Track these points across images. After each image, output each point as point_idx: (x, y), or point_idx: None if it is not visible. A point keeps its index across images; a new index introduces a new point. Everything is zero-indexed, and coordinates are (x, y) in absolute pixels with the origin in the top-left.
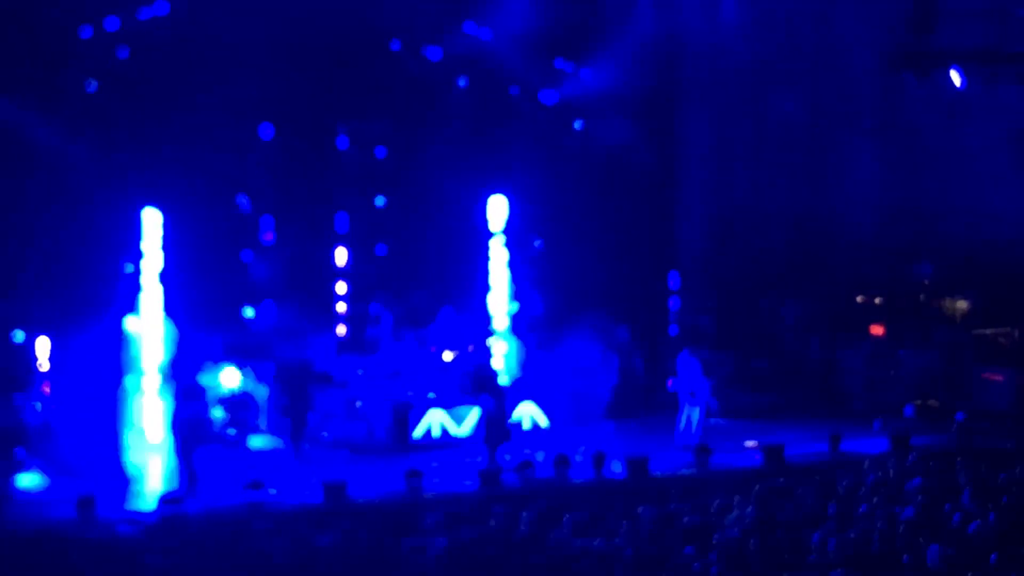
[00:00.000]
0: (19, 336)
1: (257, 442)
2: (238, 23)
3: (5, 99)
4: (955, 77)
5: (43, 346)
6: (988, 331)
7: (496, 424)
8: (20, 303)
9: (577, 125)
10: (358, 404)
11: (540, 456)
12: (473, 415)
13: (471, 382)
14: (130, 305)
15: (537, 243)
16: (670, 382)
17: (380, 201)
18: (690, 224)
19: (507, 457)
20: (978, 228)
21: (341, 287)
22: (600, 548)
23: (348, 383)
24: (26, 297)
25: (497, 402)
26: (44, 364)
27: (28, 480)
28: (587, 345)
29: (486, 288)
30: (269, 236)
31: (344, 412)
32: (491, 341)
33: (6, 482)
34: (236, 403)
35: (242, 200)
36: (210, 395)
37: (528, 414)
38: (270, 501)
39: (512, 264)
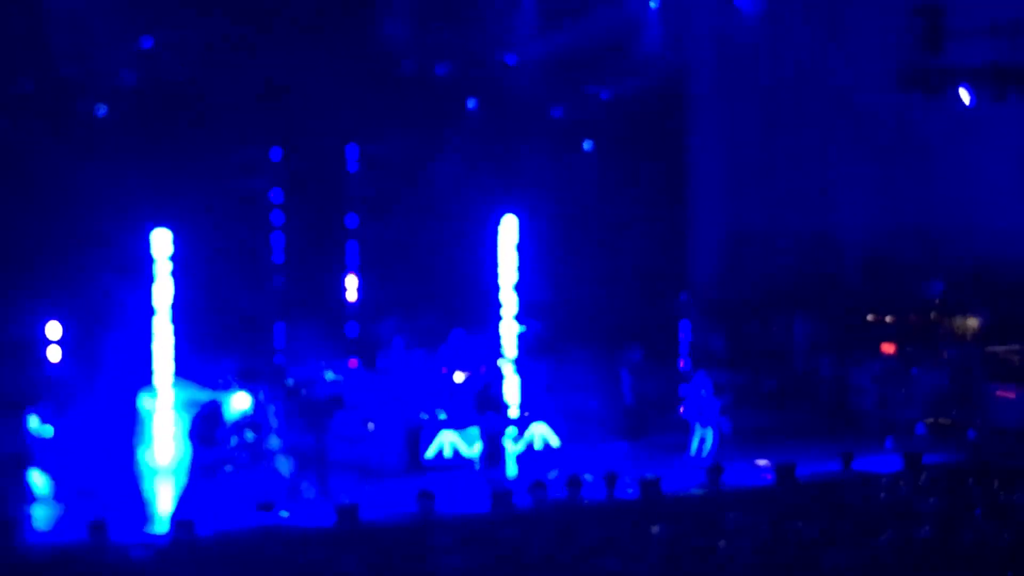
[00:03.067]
0: (32, 356)
1: (269, 465)
2: (247, 44)
3: (16, 122)
4: (964, 95)
5: (55, 360)
6: (999, 349)
7: (497, 444)
8: (32, 325)
9: (587, 145)
10: (370, 426)
11: (553, 474)
12: (480, 434)
13: (475, 401)
14: (141, 327)
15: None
16: (681, 402)
17: (391, 222)
18: (701, 244)
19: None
20: (989, 246)
21: (352, 309)
22: (612, 568)
23: (359, 405)
24: (38, 318)
25: (499, 422)
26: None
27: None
28: (598, 365)
29: (497, 309)
30: (279, 258)
31: (356, 434)
32: (502, 362)
33: (18, 507)
34: (247, 426)
35: (253, 221)
36: (222, 418)
37: (539, 434)
38: (282, 524)
39: (523, 285)
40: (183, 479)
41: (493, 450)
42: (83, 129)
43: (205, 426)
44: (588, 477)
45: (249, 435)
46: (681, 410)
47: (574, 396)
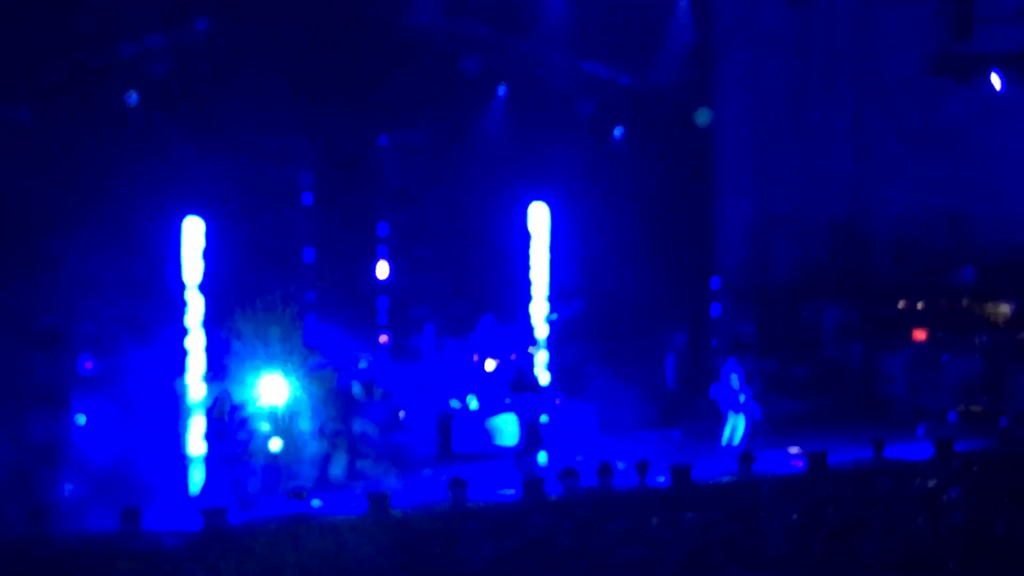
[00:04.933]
0: (63, 348)
1: (301, 454)
2: (277, 34)
3: (47, 111)
4: (995, 81)
5: (90, 359)
6: None
7: (533, 431)
8: (63, 315)
9: (617, 132)
10: (401, 414)
11: (579, 458)
12: (514, 423)
13: (510, 388)
14: (173, 316)
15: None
16: (712, 390)
17: (421, 210)
18: (731, 231)
19: (546, 462)
20: (1020, 232)
21: (383, 297)
22: (643, 556)
23: (391, 393)
24: (69, 309)
25: (535, 409)
26: (89, 376)
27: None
28: (628, 353)
29: (528, 296)
30: (310, 247)
31: (387, 422)
32: (533, 349)
33: (50, 496)
34: (280, 415)
35: (284, 210)
36: (253, 408)
37: (573, 421)
38: (314, 512)
39: (553, 272)
40: (210, 469)
41: (529, 437)
42: (114, 117)
43: (215, 419)
44: (620, 465)
45: (265, 426)
46: (712, 391)
47: (604, 383)
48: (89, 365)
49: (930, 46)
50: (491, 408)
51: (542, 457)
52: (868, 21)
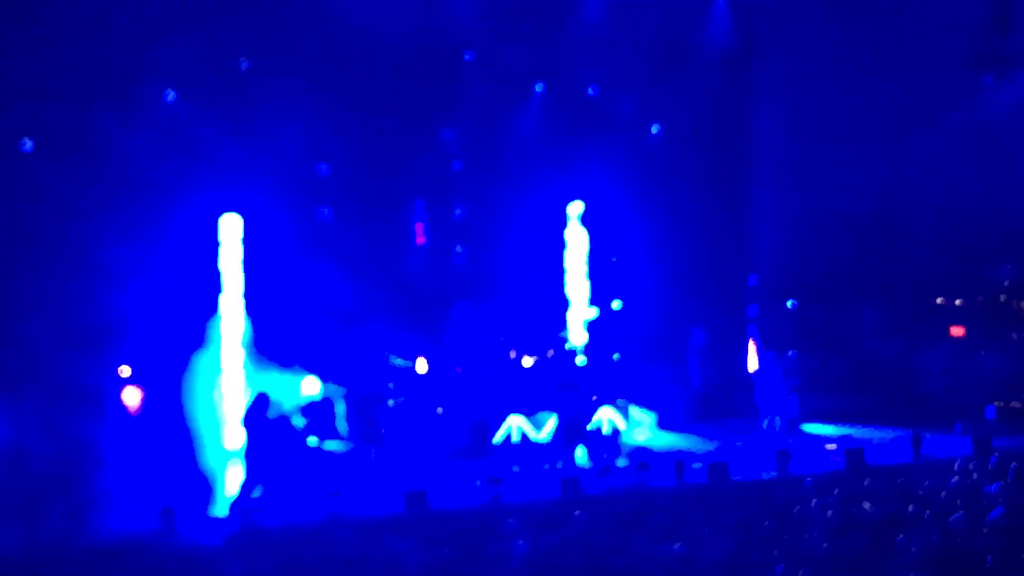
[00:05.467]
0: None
1: (337, 449)
2: (316, 31)
3: (85, 108)
4: None
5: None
6: None
7: (574, 428)
8: (103, 314)
9: (654, 129)
10: (439, 411)
11: (622, 462)
12: (552, 421)
13: (553, 386)
14: (210, 313)
15: (614, 258)
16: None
17: (458, 208)
18: (768, 227)
19: (583, 460)
20: None
21: (421, 294)
22: (681, 553)
23: (429, 390)
24: (109, 308)
25: (577, 406)
26: (125, 372)
27: None
28: (667, 350)
29: (565, 293)
30: (348, 243)
31: (424, 418)
32: (570, 346)
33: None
34: (316, 411)
35: (321, 209)
36: (289, 403)
37: (608, 418)
38: (351, 510)
39: (591, 269)
40: (248, 467)
41: (568, 434)
42: (152, 115)
43: (255, 415)
44: (696, 465)
45: (300, 421)
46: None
47: (641, 380)
48: (126, 371)
49: (968, 41)
50: (530, 405)
51: (581, 455)
52: (906, 16)
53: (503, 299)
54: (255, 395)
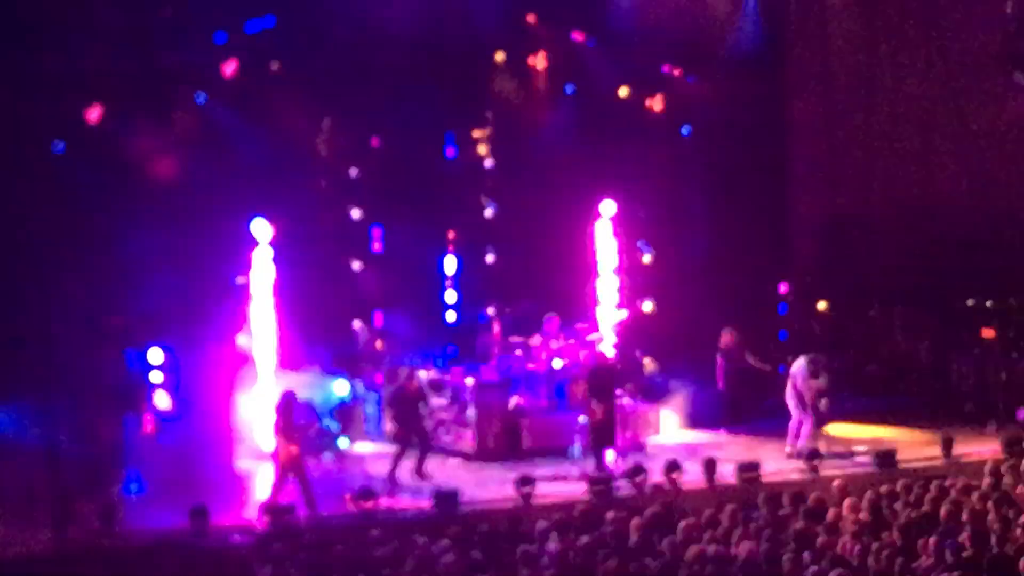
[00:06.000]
0: (133, 351)
1: (367, 450)
2: (344, 35)
3: (116, 112)
4: None
5: (156, 359)
6: None
7: (602, 427)
8: (132, 318)
9: (685, 130)
10: (470, 412)
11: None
12: (582, 421)
13: (588, 382)
14: (241, 316)
15: (646, 252)
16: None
17: (489, 209)
18: (801, 228)
19: (614, 460)
20: None
21: (450, 296)
22: (712, 554)
23: (459, 391)
24: (138, 311)
25: (607, 408)
26: (158, 377)
27: None
28: (698, 351)
29: (595, 294)
30: (378, 246)
31: (455, 420)
32: (601, 348)
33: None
34: (347, 412)
35: (351, 210)
36: (320, 405)
37: (639, 419)
38: (382, 510)
39: (620, 270)
40: (277, 467)
41: (599, 436)
42: (182, 116)
43: (283, 417)
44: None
45: (333, 425)
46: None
47: (674, 381)
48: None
49: (1000, 42)
50: (560, 406)
51: (610, 455)
52: (938, 17)
53: (534, 299)
54: (282, 395)
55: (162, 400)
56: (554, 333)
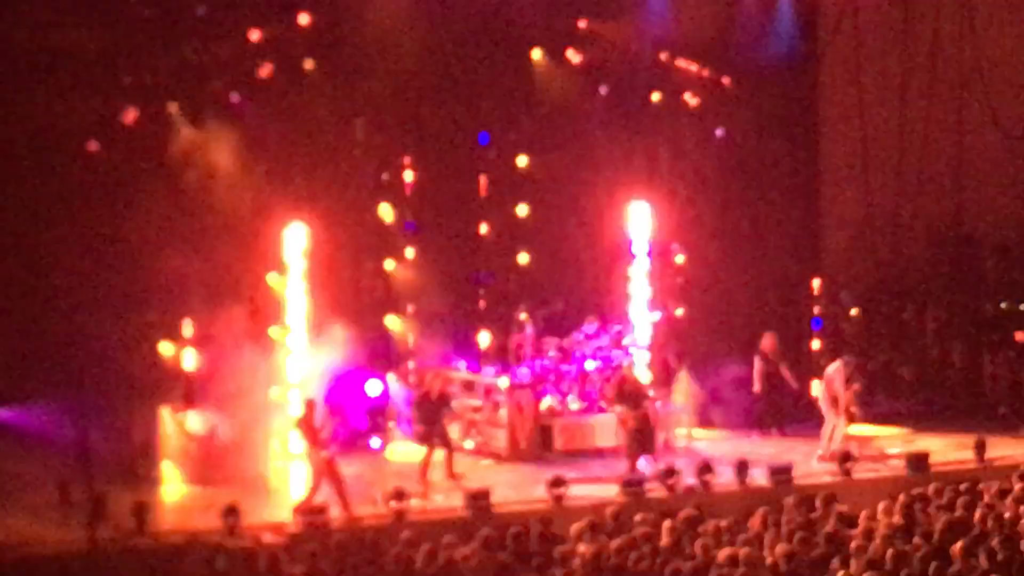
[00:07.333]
0: (167, 349)
1: (400, 450)
2: (378, 34)
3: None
4: None
5: (190, 359)
6: None
7: (639, 433)
8: (166, 316)
9: (719, 132)
10: (501, 413)
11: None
12: (615, 424)
13: (615, 392)
14: (276, 316)
15: (679, 255)
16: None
17: (522, 210)
18: (833, 230)
19: (648, 466)
20: None
21: (484, 297)
22: (744, 557)
23: (491, 392)
24: (172, 309)
25: (640, 412)
26: (192, 376)
27: None
28: (729, 354)
29: (629, 297)
30: (412, 247)
31: (487, 421)
32: (634, 350)
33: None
34: (379, 412)
35: (385, 211)
36: (354, 405)
37: (673, 422)
38: (414, 511)
39: (654, 272)
40: (306, 468)
41: (632, 438)
42: (215, 118)
43: (308, 425)
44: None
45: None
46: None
47: (706, 384)
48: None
49: None
50: (592, 408)
51: (644, 463)
52: (972, 19)
53: (567, 301)
54: (305, 403)
55: (195, 397)
56: (591, 335)
